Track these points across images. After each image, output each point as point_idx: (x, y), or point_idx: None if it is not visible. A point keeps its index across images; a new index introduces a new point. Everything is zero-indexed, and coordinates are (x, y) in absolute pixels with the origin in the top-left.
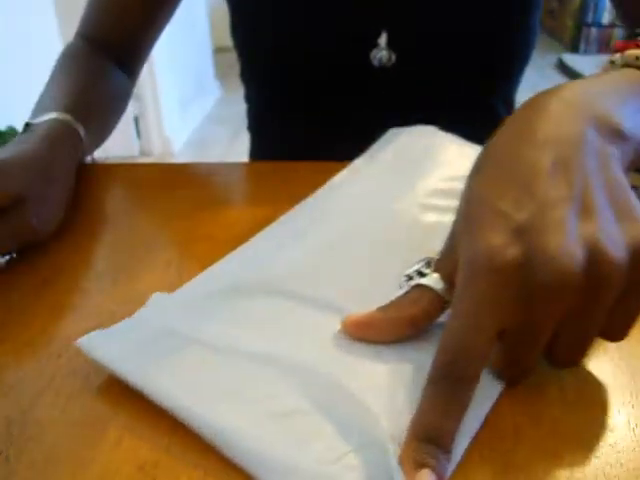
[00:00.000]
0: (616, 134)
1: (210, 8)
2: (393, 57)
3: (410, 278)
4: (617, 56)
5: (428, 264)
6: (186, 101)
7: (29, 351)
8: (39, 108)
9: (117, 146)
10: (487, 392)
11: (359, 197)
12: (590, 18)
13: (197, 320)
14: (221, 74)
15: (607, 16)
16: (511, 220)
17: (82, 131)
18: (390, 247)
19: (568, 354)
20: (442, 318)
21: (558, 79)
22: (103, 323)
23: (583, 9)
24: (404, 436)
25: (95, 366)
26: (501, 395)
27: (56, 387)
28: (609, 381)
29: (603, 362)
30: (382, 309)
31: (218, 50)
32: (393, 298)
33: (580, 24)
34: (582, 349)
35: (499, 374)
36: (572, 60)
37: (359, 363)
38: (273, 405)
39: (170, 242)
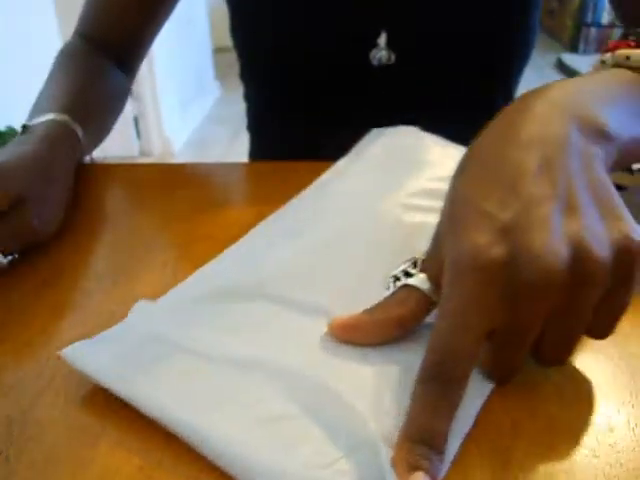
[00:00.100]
0: (600, 134)
1: (210, 8)
2: (393, 57)
3: (397, 279)
4: (608, 55)
5: (414, 264)
6: (186, 101)
7: (29, 351)
8: (37, 109)
9: (117, 146)
10: (478, 391)
11: (344, 198)
12: (589, 18)
13: (182, 327)
14: (221, 74)
15: (606, 16)
16: (496, 220)
17: (80, 132)
18: (376, 248)
19: (554, 352)
20: (429, 319)
21: (557, 79)
22: (103, 323)
23: (582, 9)
24: (393, 437)
25: None
26: (492, 393)
27: (56, 387)
28: (609, 381)
29: (603, 362)
30: (369, 311)
31: (218, 50)
32: (380, 299)
33: (579, 24)
34: (568, 347)
35: (488, 374)
36: (571, 60)
37: (346, 366)
38: (260, 410)
39: (170, 242)
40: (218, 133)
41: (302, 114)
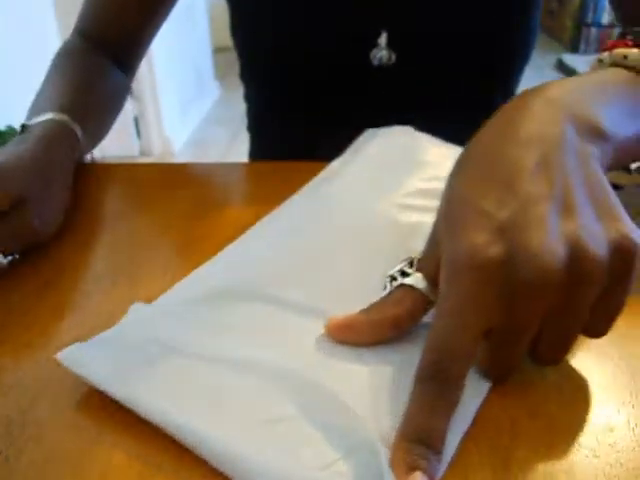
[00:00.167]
0: (596, 133)
1: (210, 8)
2: (393, 57)
3: (394, 279)
4: (605, 55)
5: (411, 264)
6: (186, 101)
7: (29, 352)
8: (36, 108)
9: (117, 146)
10: (476, 390)
11: (339, 198)
12: (590, 18)
13: (178, 329)
14: (221, 74)
15: (607, 16)
16: (493, 219)
17: (79, 131)
18: (372, 248)
19: (551, 351)
20: (426, 318)
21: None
22: (102, 325)
23: (583, 9)
24: (391, 437)
25: None
26: (491, 392)
27: (56, 388)
28: (609, 381)
29: (603, 362)
30: (365, 311)
31: (218, 50)
32: (377, 299)
33: (580, 24)
34: (565, 346)
35: (485, 373)
36: (572, 60)
37: (343, 366)
38: (257, 412)
39: (170, 242)
40: (218, 133)
41: (302, 114)
